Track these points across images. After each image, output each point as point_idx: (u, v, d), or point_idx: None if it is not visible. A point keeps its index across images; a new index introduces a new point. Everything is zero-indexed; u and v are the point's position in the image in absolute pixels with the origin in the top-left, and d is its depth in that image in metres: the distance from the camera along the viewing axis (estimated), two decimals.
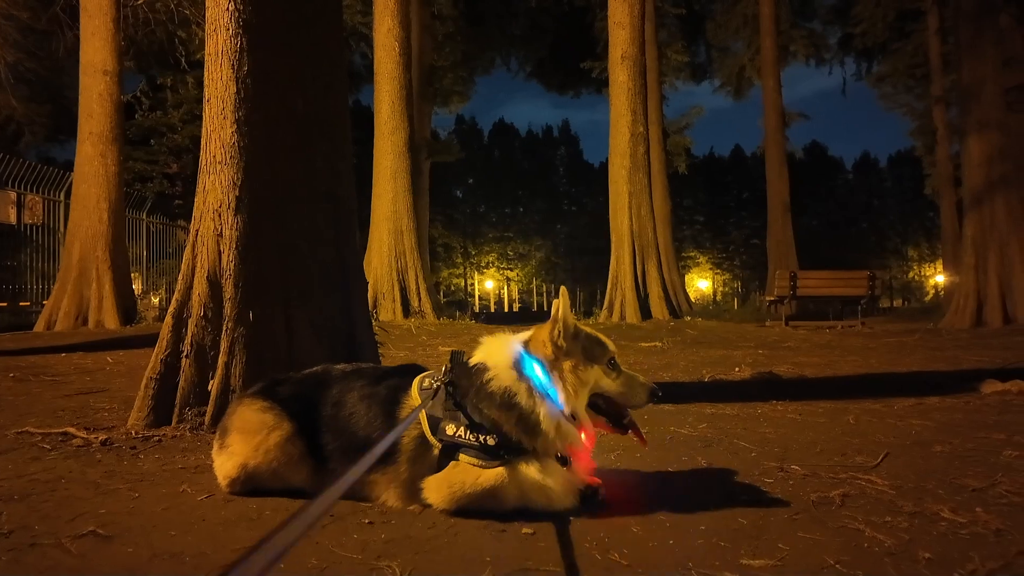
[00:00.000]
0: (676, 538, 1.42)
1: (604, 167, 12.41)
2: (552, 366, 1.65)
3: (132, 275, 14.56)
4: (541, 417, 1.57)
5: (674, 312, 11.77)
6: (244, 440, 1.69)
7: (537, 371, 1.63)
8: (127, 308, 9.50)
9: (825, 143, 64.34)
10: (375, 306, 10.21)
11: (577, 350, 1.67)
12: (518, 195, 57.65)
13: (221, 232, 2.85)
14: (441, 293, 46.43)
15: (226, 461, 1.71)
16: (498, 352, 1.68)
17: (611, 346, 1.74)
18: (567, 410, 1.62)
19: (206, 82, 2.99)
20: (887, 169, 62.07)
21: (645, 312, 11.38)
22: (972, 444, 2.35)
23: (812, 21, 23.51)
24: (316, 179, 3.12)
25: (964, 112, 12.69)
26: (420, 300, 10.47)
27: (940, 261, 29.19)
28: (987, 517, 1.54)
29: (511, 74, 26.72)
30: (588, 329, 1.75)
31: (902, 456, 2.18)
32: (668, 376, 4.74)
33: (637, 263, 11.65)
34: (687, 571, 1.24)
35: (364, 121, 13.27)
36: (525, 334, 1.75)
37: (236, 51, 2.89)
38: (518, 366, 1.63)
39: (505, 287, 53.36)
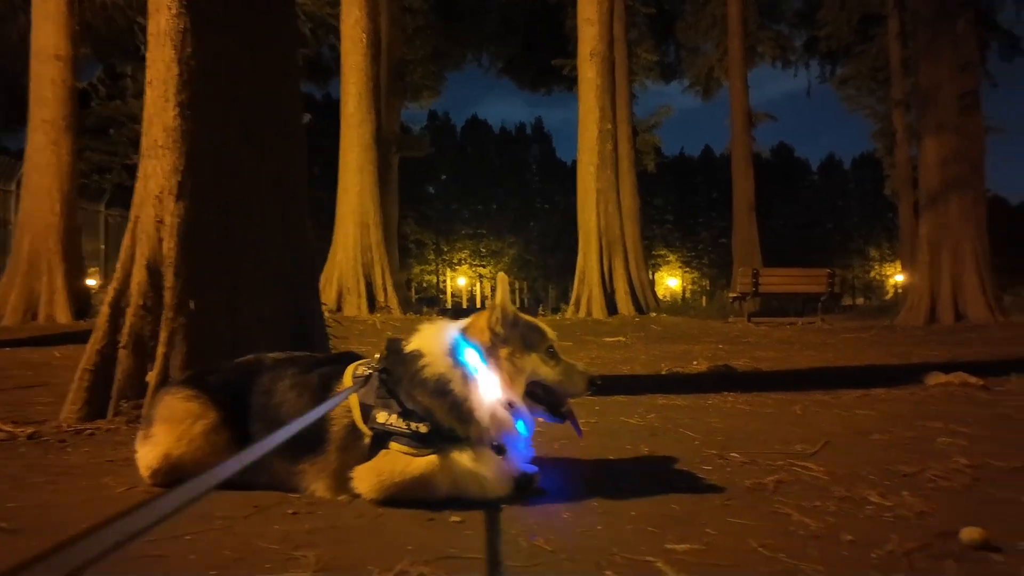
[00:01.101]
0: (606, 524, 1.41)
1: (576, 165, 12.47)
2: (489, 353, 1.62)
3: (89, 269, 14.11)
4: (475, 405, 1.55)
5: (640, 308, 11.87)
6: (168, 430, 1.62)
7: (473, 358, 1.61)
8: (80, 302, 9.20)
9: (792, 144, 65.51)
10: (340, 301, 10.07)
11: (515, 337, 1.65)
12: (491, 192, 57.57)
13: (162, 219, 2.76)
14: (413, 290, 46.15)
15: (149, 452, 1.64)
16: (434, 339, 1.64)
17: (550, 334, 1.72)
18: (503, 398, 1.59)
19: (148, 63, 2.89)
20: (851, 171, 63.69)
21: (611, 308, 11.46)
22: (910, 432, 2.40)
23: (779, 23, 23.94)
24: (265, 167, 3.04)
25: (921, 115, 13.07)
26: (386, 295, 10.37)
27: (899, 261, 30.06)
28: (913, 501, 1.56)
29: (483, 70, 26.56)
30: (527, 317, 1.73)
31: (841, 444, 2.21)
32: (628, 369, 4.77)
33: (604, 260, 11.71)
34: (611, 556, 1.23)
35: (332, 114, 13.07)
36: (464, 321, 1.72)
37: (179, 32, 2.79)
38: (454, 353, 1.60)
39: (478, 284, 53.28)
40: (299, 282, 3.16)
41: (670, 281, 57.82)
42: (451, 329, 1.67)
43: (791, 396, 3.26)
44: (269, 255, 2.97)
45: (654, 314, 11.99)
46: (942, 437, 2.29)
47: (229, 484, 1.60)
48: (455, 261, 56.64)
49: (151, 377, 2.60)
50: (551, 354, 1.68)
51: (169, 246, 2.72)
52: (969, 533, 1.30)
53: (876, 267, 61.01)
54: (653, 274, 54.70)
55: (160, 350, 2.62)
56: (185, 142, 2.76)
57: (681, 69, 25.20)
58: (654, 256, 56.11)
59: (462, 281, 53.33)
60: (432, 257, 56.03)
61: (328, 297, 10.16)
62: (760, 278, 12.64)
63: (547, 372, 1.66)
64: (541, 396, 1.69)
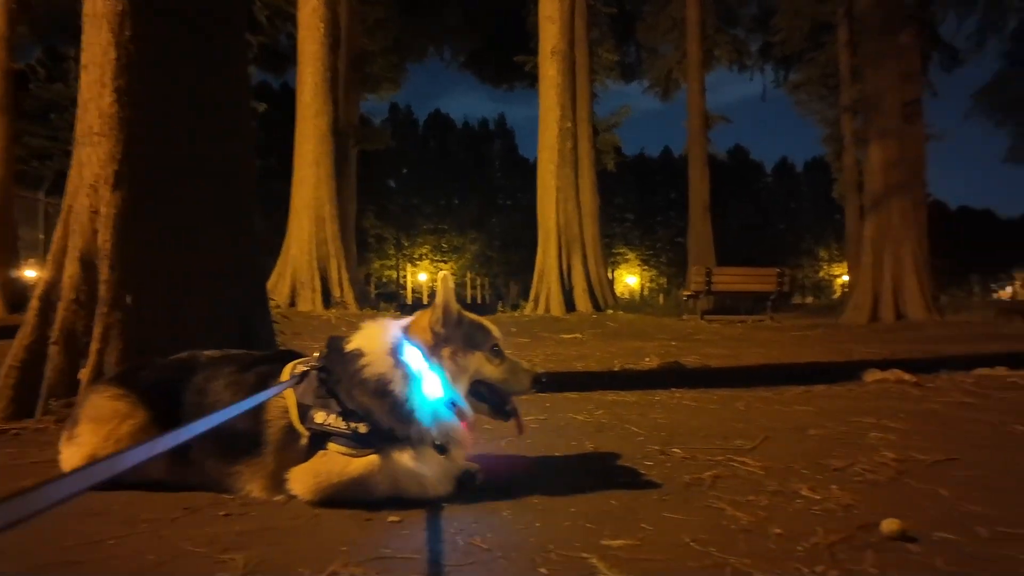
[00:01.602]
0: (544, 521, 1.42)
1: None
2: (432, 352, 1.61)
3: (27, 260, 13.43)
4: (416, 405, 1.53)
5: (598, 305, 12.01)
6: (94, 430, 1.56)
7: (415, 357, 1.59)
8: (15, 294, 8.75)
9: (747, 147, 67.25)
10: (294, 296, 9.86)
11: (458, 337, 1.64)
12: (453, 187, 57.21)
13: (97, 209, 2.64)
14: (372, 285, 45.53)
15: (74, 453, 1.57)
16: (376, 338, 1.62)
17: (495, 332, 1.72)
18: (446, 397, 1.58)
19: (83, 46, 2.77)
20: (803, 174, 65.80)
21: (569, 305, 11.55)
22: (845, 427, 2.50)
23: (736, 28, 24.49)
24: (210, 158, 2.94)
25: (867, 121, 13.60)
26: (342, 290, 10.19)
27: (846, 261, 31.23)
28: (840, 494, 1.62)
29: (444, 64, 26.33)
30: (471, 315, 1.72)
31: (779, 439, 2.28)
32: (582, 366, 4.82)
33: (563, 257, 11.80)
34: (546, 553, 1.24)
35: (290, 104, 12.75)
36: (407, 319, 1.71)
37: (117, 14, 2.68)
38: (395, 352, 1.58)
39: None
40: (245, 277, 3.07)
41: (629, 279, 58.68)
42: (394, 328, 1.65)
43: (736, 392, 3.35)
44: (213, 249, 2.89)
45: (611, 311, 12.15)
46: (873, 432, 2.38)
47: (159, 485, 1.56)
48: (416, 256, 56.14)
49: (83, 375, 2.50)
50: (495, 353, 1.68)
51: (104, 238, 2.61)
52: (888, 525, 1.36)
53: (825, 267, 63.29)
54: (613, 272, 55.46)
55: (94, 346, 2.52)
56: (123, 129, 2.65)
57: (641, 70, 25.55)
58: (614, 254, 56.85)
59: (423, 277, 52.90)
60: (392, 252, 55.40)
61: (281, 292, 9.94)
62: (713, 277, 12.95)
63: (491, 371, 1.66)
64: (485, 395, 1.69)
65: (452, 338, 1.62)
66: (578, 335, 7.63)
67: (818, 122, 24.62)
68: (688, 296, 13.73)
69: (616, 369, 4.51)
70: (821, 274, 62.99)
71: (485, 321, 1.72)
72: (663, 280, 58.46)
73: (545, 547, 1.26)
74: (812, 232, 62.64)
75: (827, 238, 61.68)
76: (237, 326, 2.96)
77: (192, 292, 2.78)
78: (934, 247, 13.99)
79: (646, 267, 60.48)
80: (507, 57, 21.65)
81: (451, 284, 1.66)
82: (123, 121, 2.65)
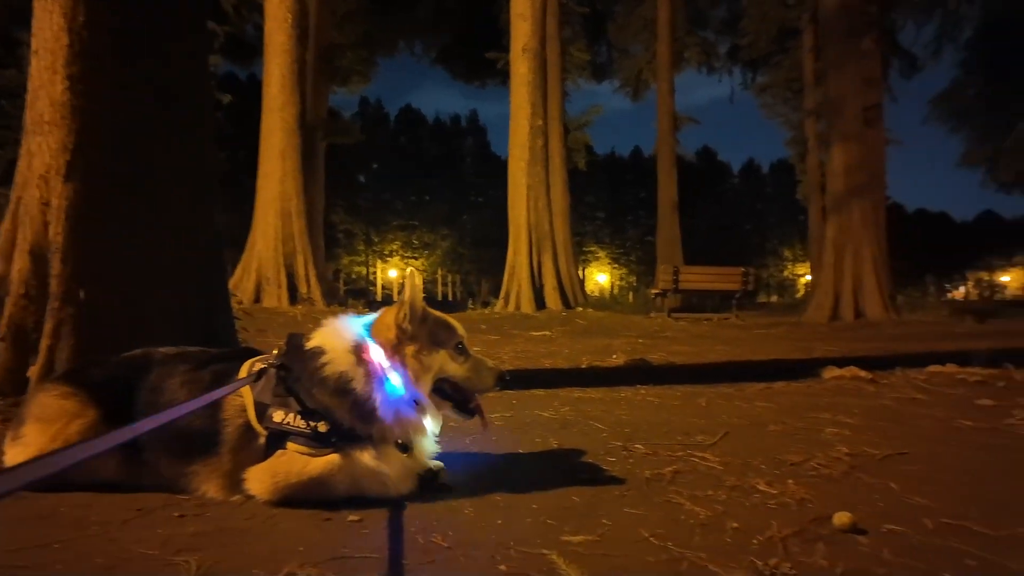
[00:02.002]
0: (506, 518, 1.42)
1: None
2: (395, 350, 1.59)
3: None
4: (378, 403, 1.52)
5: (568, 303, 12.08)
6: (41, 430, 1.50)
7: (378, 355, 1.57)
8: None
9: (715, 148, 68.35)
10: (259, 292, 9.67)
11: (423, 334, 1.63)
12: (424, 184, 56.79)
13: (48, 201, 2.55)
14: (341, 281, 44.94)
15: (19, 454, 1.51)
16: (337, 335, 1.60)
17: (459, 330, 1.71)
18: (409, 395, 1.57)
19: (33, 31, 2.66)
20: (769, 175, 67.18)
21: (540, 302, 11.60)
22: (802, 423, 2.56)
23: (705, 30, 24.84)
24: (169, 150, 2.86)
25: (829, 125, 13.95)
26: (309, 287, 10.04)
27: (809, 261, 32.03)
28: (796, 488, 1.67)
29: (415, 58, 26.10)
30: (436, 313, 1.71)
31: (739, 435, 2.33)
32: (550, 363, 4.84)
33: (533, 254, 11.84)
34: (507, 550, 1.24)
35: (258, 95, 12.49)
36: (369, 317, 1.69)
37: None
38: (357, 350, 1.57)
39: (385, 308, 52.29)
40: (206, 273, 3.00)
41: (599, 277, 59.19)
42: (355, 325, 1.63)
43: (699, 389, 3.40)
44: (171, 243, 2.81)
45: (581, 309, 12.23)
46: (829, 428, 2.45)
47: (111, 486, 1.52)
48: (386, 252, 55.61)
49: (33, 372, 2.41)
50: (460, 350, 1.67)
51: (56, 230, 2.52)
52: (840, 518, 1.40)
53: (789, 267, 64.82)
54: (583, 270, 55.83)
55: (44, 343, 2.43)
56: (75, 118, 2.56)
57: (612, 69, 25.72)
58: (585, 252, 57.22)
59: (393, 273, 52.45)
60: (362, 248, 54.78)
61: (246, 288, 9.73)
62: (680, 275, 13.15)
63: (455, 369, 1.66)
64: (449, 392, 1.68)
65: (417, 336, 1.61)
66: (547, 332, 7.66)
67: (783, 124, 25.17)
68: (656, 294, 13.91)
69: (583, 367, 4.54)
70: (785, 273, 64.52)
71: (450, 319, 1.71)
72: (633, 278, 59.08)
73: (506, 544, 1.27)
74: (777, 232, 64.07)
75: (791, 238, 63.16)
76: (197, 323, 2.89)
77: (149, 288, 2.70)
78: (892, 248, 14.45)
79: (616, 265, 61.06)
80: (479, 53, 21.56)
81: (418, 281, 1.65)
82: (76, 110, 2.56)
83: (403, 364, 1.57)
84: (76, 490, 1.51)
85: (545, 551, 1.23)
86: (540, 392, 3.21)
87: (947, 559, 1.24)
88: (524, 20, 11.97)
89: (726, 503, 1.55)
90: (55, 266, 2.49)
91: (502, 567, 1.16)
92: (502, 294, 12.13)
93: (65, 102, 2.55)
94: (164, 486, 1.54)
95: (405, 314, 1.61)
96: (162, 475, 1.53)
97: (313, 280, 10.06)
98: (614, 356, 5.07)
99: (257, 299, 9.63)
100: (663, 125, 20.62)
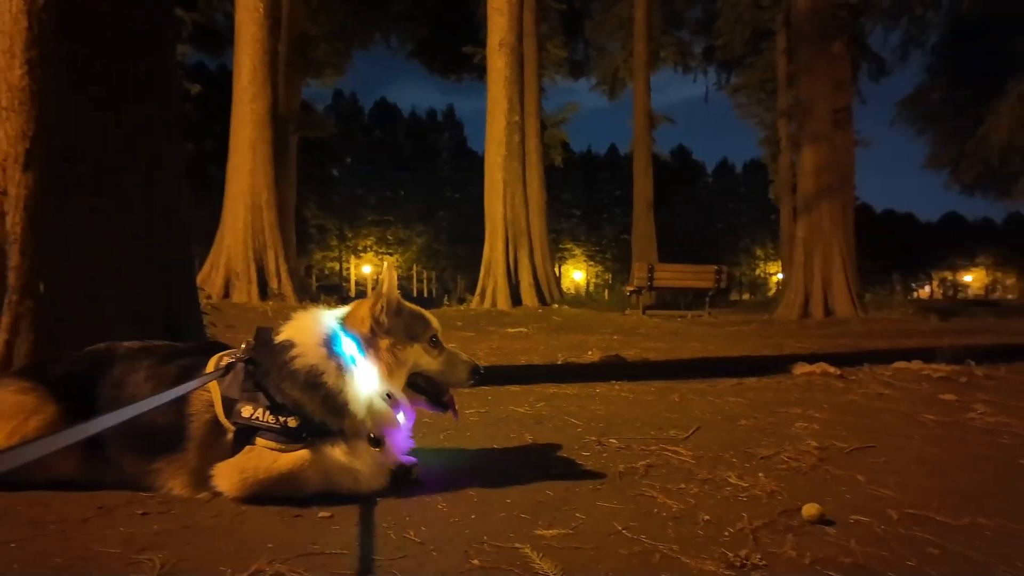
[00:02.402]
0: (479, 513, 1.41)
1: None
2: (369, 343, 1.57)
3: None
4: (350, 398, 1.49)
5: (544, 300, 12.11)
6: None
7: (351, 349, 1.55)
8: None
9: (690, 147, 69.19)
10: (228, 287, 9.48)
11: (398, 327, 1.61)
12: (399, 179, 56.31)
13: (6, 190, 2.45)
14: (314, 277, 44.40)
15: None
16: (307, 329, 1.57)
17: (434, 323, 1.69)
18: (382, 389, 1.55)
19: None
20: (742, 175, 68.23)
21: (516, 299, 11.60)
22: (773, 418, 2.60)
23: (681, 30, 25.05)
24: (133, 140, 2.78)
25: (800, 126, 14.20)
26: (280, 282, 9.87)
27: (780, 260, 32.61)
28: (766, 481, 1.69)
29: (391, 52, 25.84)
30: (411, 306, 1.69)
31: (711, 429, 2.36)
32: (525, 359, 4.84)
33: (509, 251, 11.83)
34: (480, 545, 1.23)
35: (228, 86, 12.23)
36: (342, 310, 1.66)
37: None
38: (329, 344, 1.54)
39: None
40: (171, 266, 2.92)
41: (575, 274, 59.50)
42: (327, 319, 1.61)
43: (672, 385, 3.43)
44: (135, 235, 2.73)
45: (556, 306, 12.27)
46: (799, 422, 2.50)
47: (71, 484, 1.47)
48: (360, 248, 55.07)
49: None
50: (434, 344, 1.66)
51: (14, 221, 2.42)
52: (808, 509, 1.43)
53: (761, 265, 66.00)
54: (559, 267, 56.02)
55: (1, 337, 2.34)
56: (35, 105, 2.46)
57: (589, 67, 25.80)
58: (561, 249, 57.43)
59: (367, 269, 51.97)
60: (335, 243, 54.14)
61: (215, 283, 9.53)
62: (655, 273, 13.28)
63: (429, 363, 1.64)
64: (423, 386, 1.67)
65: (392, 329, 1.59)
66: (523, 329, 7.66)
67: (757, 125, 25.55)
68: (631, 291, 14.03)
69: (559, 362, 4.56)
70: (758, 272, 65.69)
71: (425, 312, 1.69)
72: (608, 276, 59.53)
73: (479, 539, 1.26)
74: (749, 231, 65.14)
75: (763, 237, 64.28)
76: (163, 318, 2.81)
77: (111, 281, 2.62)
78: (861, 248, 14.80)
79: (592, 263, 61.44)
80: (455, 48, 21.44)
81: (394, 274, 1.63)
82: (35, 96, 2.46)
83: (377, 357, 1.55)
84: (32, 489, 1.46)
85: (518, 545, 1.23)
86: (515, 388, 3.20)
87: (911, 548, 1.27)
88: (501, 15, 11.93)
89: (698, 496, 1.57)
90: (13, 258, 2.40)
91: (475, 562, 1.15)
92: (478, 290, 12.10)
93: (24, 87, 2.46)
94: (127, 484, 1.49)
95: (382, 306, 1.58)
96: (125, 472, 1.49)
97: (284, 275, 9.90)
98: (589, 352, 5.10)
99: (226, 294, 9.44)
100: (639, 123, 20.77)
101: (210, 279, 9.54)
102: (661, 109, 23.01)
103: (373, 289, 1.62)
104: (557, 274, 19.88)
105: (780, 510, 1.47)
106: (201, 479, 1.46)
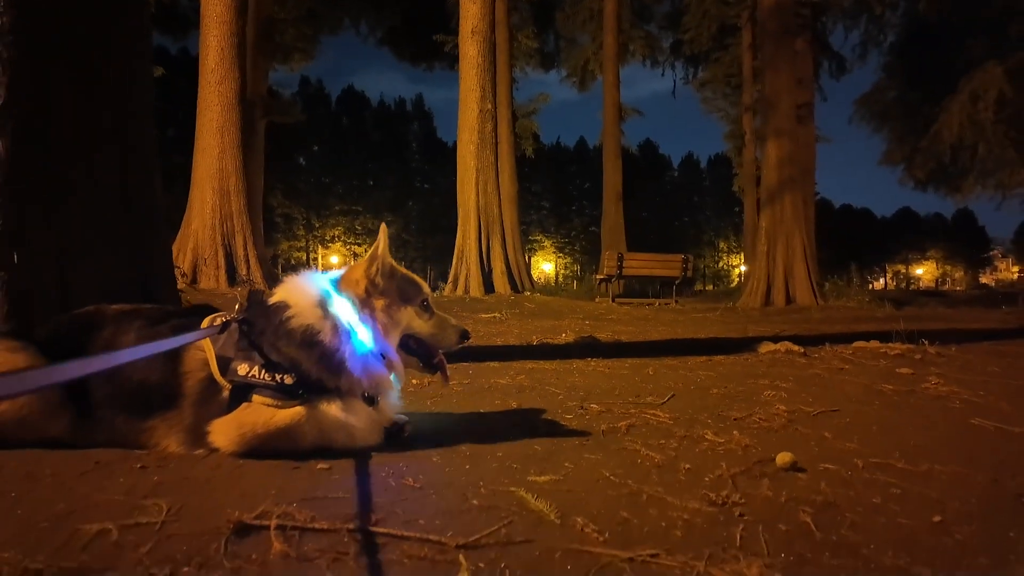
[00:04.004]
0: (473, 464, 1.47)
1: (457, 145, 12.44)
2: (363, 304, 1.61)
3: None
4: (346, 356, 1.53)
5: (516, 288, 12.17)
6: None
7: (346, 309, 1.58)
8: None
9: (657, 141, 70.08)
10: (195, 272, 9.28)
11: (392, 289, 1.65)
12: (368, 168, 55.61)
13: None
14: (280, 267, 43.56)
15: None
16: (301, 290, 1.60)
17: (425, 287, 1.74)
18: (377, 349, 1.59)
19: None
20: (707, 169, 69.47)
21: (488, 286, 11.64)
22: (742, 388, 2.72)
23: (650, 24, 25.31)
24: (102, 114, 2.73)
25: (764, 120, 14.54)
26: (249, 268, 9.71)
27: (743, 252, 33.36)
28: (740, 437, 1.79)
29: (360, 38, 25.45)
30: (403, 269, 1.73)
31: (685, 397, 2.46)
32: (501, 341, 4.90)
33: (482, 238, 11.85)
34: (477, 488, 1.29)
35: (189, 71, 11.91)
36: (336, 272, 1.69)
37: None
38: (324, 304, 1.57)
39: (352, 263, 51.49)
40: (146, 242, 2.88)
41: (545, 265, 59.82)
42: (320, 280, 1.64)
43: (645, 361, 3.54)
44: (109, 215, 2.69)
45: (528, 293, 12.36)
46: (767, 391, 2.62)
47: (61, 445, 1.47)
48: (328, 238, 54.30)
49: None
50: (425, 307, 1.70)
51: None
52: (782, 458, 1.52)
53: (724, 257, 67.44)
54: (529, 258, 56.22)
55: None
56: (5, 72, 2.40)
57: (560, 59, 25.89)
58: (530, 241, 57.65)
59: (335, 259, 51.28)
60: (302, 233, 53.26)
61: (181, 268, 9.32)
62: (624, 261, 13.49)
63: (421, 325, 1.69)
64: (414, 348, 1.71)
65: (387, 291, 1.63)
66: (497, 315, 7.72)
67: (722, 119, 26.06)
68: (601, 280, 14.22)
69: (535, 343, 4.63)
70: (721, 264, 67.10)
71: (416, 277, 1.74)
72: (577, 268, 60.03)
73: (475, 484, 1.31)
74: (713, 224, 66.46)
75: (726, 231, 65.67)
76: (137, 290, 2.78)
77: (83, 259, 2.57)
78: (820, 240, 15.28)
79: (561, 254, 61.83)
80: (427, 35, 21.24)
81: (387, 236, 1.66)
82: (5, 63, 2.40)
83: (372, 318, 1.59)
84: (22, 448, 1.46)
85: (513, 488, 1.29)
86: (495, 364, 3.26)
87: (875, 489, 1.37)
88: (473, 2, 11.89)
89: (678, 449, 1.65)
90: None
91: (474, 502, 1.21)
92: (451, 278, 12.11)
93: None
94: (120, 443, 1.50)
95: (377, 268, 1.62)
96: (117, 431, 1.50)
97: (253, 261, 9.73)
98: (563, 335, 5.19)
99: (194, 280, 9.25)
100: (609, 115, 20.95)
101: (177, 264, 9.31)
102: (630, 103, 23.20)
103: (369, 250, 1.66)
104: (527, 265, 19.97)
105: (755, 460, 1.56)
106: (196, 436, 1.47)
